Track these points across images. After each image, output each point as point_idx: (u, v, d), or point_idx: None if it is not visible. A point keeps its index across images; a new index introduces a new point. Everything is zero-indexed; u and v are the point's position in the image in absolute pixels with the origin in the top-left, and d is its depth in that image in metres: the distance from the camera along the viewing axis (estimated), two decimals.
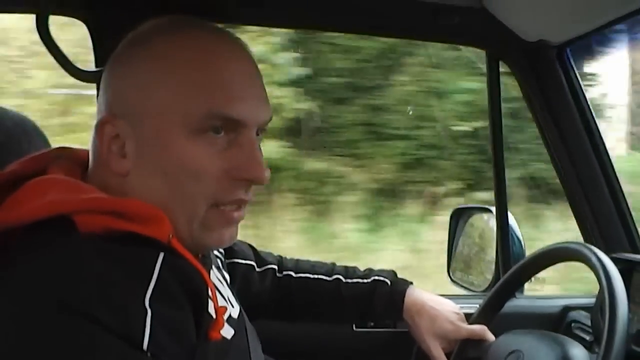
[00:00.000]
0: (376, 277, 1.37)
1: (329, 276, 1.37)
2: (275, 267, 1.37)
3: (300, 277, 1.37)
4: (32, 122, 1.11)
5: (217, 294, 0.90)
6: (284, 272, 1.37)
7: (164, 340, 0.72)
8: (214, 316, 0.82)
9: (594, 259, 1.14)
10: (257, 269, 1.35)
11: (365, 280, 1.37)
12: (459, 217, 1.91)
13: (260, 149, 0.88)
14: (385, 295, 1.36)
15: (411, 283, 1.39)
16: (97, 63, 1.36)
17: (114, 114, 0.85)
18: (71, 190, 0.81)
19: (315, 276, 1.37)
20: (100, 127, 0.85)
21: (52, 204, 0.79)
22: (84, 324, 0.68)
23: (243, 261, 1.32)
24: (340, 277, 1.37)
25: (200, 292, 0.80)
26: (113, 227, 0.78)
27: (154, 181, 0.84)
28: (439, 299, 1.40)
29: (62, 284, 0.71)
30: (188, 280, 0.79)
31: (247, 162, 0.85)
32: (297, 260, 1.42)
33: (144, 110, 0.84)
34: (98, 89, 0.93)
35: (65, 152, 0.93)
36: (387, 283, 1.37)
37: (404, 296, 1.36)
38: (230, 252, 1.30)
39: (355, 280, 1.37)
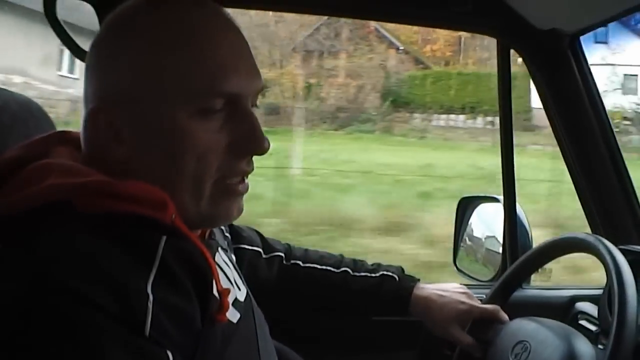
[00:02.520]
0: (384, 272, 1.36)
1: (337, 268, 1.36)
2: (283, 255, 1.37)
3: (308, 267, 1.36)
4: (38, 105, 1.10)
5: (222, 275, 0.90)
6: (292, 261, 1.37)
7: (166, 326, 0.72)
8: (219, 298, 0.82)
9: (603, 250, 1.14)
10: (264, 256, 1.34)
11: (373, 275, 1.36)
12: (465, 207, 1.90)
13: (257, 119, 0.88)
14: (393, 290, 1.35)
15: (418, 280, 1.38)
16: None
17: (106, 102, 0.83)
18: (71, 174, 0.81)
19: (323, 267, 1.36)
20: (92, 117, 0.84)
21: (51, 188, 0.78)
22: (86, 309, 0.68)
23: (250, 247, 1.32)
24: (348, 269, 1.36)
25: (204, 273, 0.80)
26: (115, 210, 0.77)
27: (158, 164, 0.83)
28: (443, 285, 1.39)
29: (63, 269, 0.71)
30: (191, 263, 0.78)
31: (249, 135, 0.85)
32: (306, 250, 1.41)
33: (140, 95, 0.82)
34: None
35: (66, 136, 0.92)
36: (395, 278, 1.36)
37: (411, 292, 1.35)
38: (237, 237, 1.30)
39: (363, 274, 1.36)
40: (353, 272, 1.36)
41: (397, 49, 17.54)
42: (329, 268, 1.36)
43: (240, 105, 0.85)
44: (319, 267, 1.36)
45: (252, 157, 0.88)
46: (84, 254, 0.73)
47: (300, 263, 1.36)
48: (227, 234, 1.19)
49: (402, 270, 1.40)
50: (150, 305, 0.70)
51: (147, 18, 0.85)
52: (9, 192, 0.80)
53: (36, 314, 0.68)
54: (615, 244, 1.17)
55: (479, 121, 15.85)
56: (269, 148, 0.87)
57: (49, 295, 0.69)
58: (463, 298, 1.34)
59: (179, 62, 0.82)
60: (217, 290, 0.81)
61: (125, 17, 0.86)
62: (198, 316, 0.78)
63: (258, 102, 0.91)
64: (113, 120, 0.83)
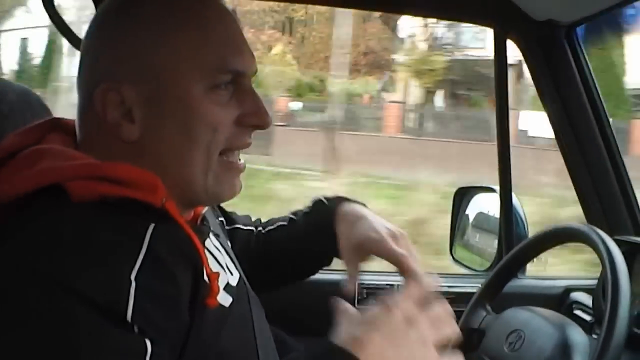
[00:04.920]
0: (320, 199, 1.25)
1: (286, 221, 1.28)
2: (253, 228, 1.31)
3: (267, 231, 1.29)
4: (36, 95, 1.11)
5: (213, 260, 0.91)
6: (256, 231, 1.30)
7: (151, 313, 0.72)
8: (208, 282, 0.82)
9: (597, 240, 1.14)
10: (255, 232, 1.29)
11: (313, 209, 1.25)
12: (462, 196, 1.90)
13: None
14: (323, 211, 1.22)
15: (363, 205, 1.23)
16: None
17: (116, 80, 0.84)
18: (62, 158, 0.81)
19: (275, 225, 1.29)
20: (101, 96, 0.84)
21: (41, 173, 0.79)
22: (66, 297, 0.68)
23: (244, 227, 1.29)
24: (294, 216, 1.27)
25: (193, 259, 0.80)
26: (106, 193, 0.77)
27: (170, 140, 0.85)
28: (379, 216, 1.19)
29: (46, 258, 0.71)
30: (180, 249, 0.79)
31: (254, 109, 0.90)
32: (268, 220, 1.33)
33: (154, 73, 0.84)
34: None
35: (60, 122, 0.93)
36: (324, 201, 1.24)
37: (336, 206, 1.20)
38: (230, 220, 1.28)
39: (306, 212, 1.26)
40: (298, 216, 1.27)
41: None
42: (280, 223, 1.28)
43: (244, 82, 0.90)
44: (272, 226, 1.28)
45: (254, 130, 0.92)
46: (68, 242, 0.73)
47: (262, 229, 1.29)
48: (221, 218, 1.20)
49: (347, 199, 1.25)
50: (132, 293, 0.71)
51: (153, 1, 0.87)
52: (3, 179, 0.81)
53: (16, 302, 0.69)
54: (611, 235, 1.18)
55: None
56: (271, 123, 0.92)
57: (33, 284, 0.69)
58: (381, 230, 1.11)
59: (192, 41, 0.85)
60: (207, 275, 0.82)
61: (130, 2, 0.88)
62: (187, 302, 0.78)
63: None
64: (124, 98, 0.84)
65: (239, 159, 0.93)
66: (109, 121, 0.84)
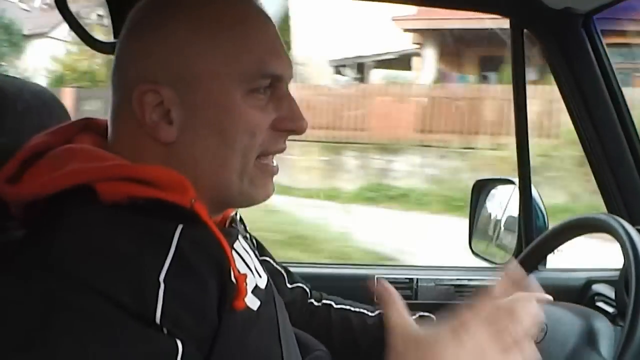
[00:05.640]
0: (422, 313, 1.28)
1: (371, 311, 1.28)
2: (307, 290, 1.30)
3: (342, 309, 1.28)
4: (51, 93, 1.11)
5: (241, 262, 0.90)
6: (323, 302, 1.29)
7: (180, 315, 0.72)
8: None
9: (620, 230, 1.13)
10: (288, 285, 1.27)
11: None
12: (480, 189, 1.89)
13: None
14: None
15: None
16: (116, 34, 1.35)
17: (155, 82, 0.84)
18: (92, 159, 0.81)
19: (357, 309, 1.28)
20: (139, 97, 0.84)
21: (72, 173, 0.79)
22: (96, 299, 0.69)
23: (274, 263, 1.26)
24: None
25: (220, 261, 0.80)
26: (135, 195, 0.78)
27: (207, 143, 0.85)
28: None
29: (76, 261, 0.71)
30: (208, 251, 0.79)
31: (291, 113, 0.90)
32: (322, 294, 1.32)
33: (194, 75, 0.84)
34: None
35: (91, 123, 0.93)
36: (432, 318, 1.26)
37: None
38: (261, 248, 1.24)
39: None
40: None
41: None
42: (363, 310, 1.28)
43: (281, 86, 0.90)
44: (352, 309, 1.28)
45: (289, 135, 0.92)
46: (97, 244, 0.73)
47: (334, 304, 1.29)
48: (253, 239, 1.17)
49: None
50: (161, 294, 0.71)
51: (192, 2, 0.87)
52: (33, 178, 0.81)
53: (48, 305, 0.69)
54: (633, 225, 1.16)
55: None
56: (306, 128, 0.91)
57: (61, 285, 0.69)
58: None
59: (232, 44, 0.85)
60: (234, 277, 0.81)
61: (168, 2, 0.88)
62: (215, 305, 0.78)
63: None
64: (162, 100, 0.84)
65: (273, 162, 0.92)
66: (147, 122, 0.84)
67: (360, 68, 14.80)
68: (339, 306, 1.29)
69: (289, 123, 0.90)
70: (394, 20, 13.51)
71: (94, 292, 0.69)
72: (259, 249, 1.22)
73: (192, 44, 0.84)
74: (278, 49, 0.89)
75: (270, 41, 0.89)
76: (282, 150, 0.92)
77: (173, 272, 0.73)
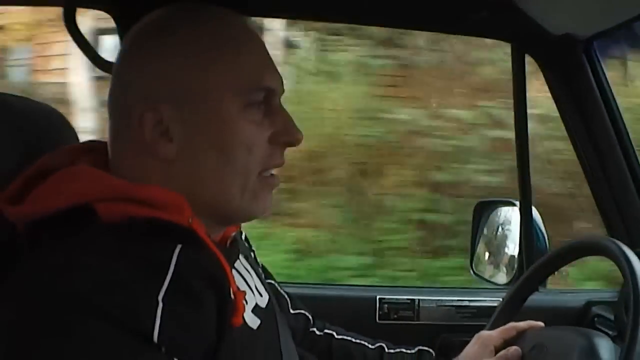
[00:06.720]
0: (421, 348, 1.32)
1: (372, 344, 1.31)
2: (310, 318, 1.31)
3: (342, 340, 1.31)
4: (61, 114, 1.12)
5: (240, 280, 0.92)
6: (325, 331, 1.31)
7: (177, 334, 0.73)
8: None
9: (619, 253, 1.14)
10: (292, 311, 1.29)
11: (409, 351, 1.31)
12: (481, 211, 1.90)
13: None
14: None
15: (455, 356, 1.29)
16: None
17: (154, 100, 0.85)
18: (92, 179, 0.83)
19: (358, 341, 1.31)
20: (139, 116, 0.85)
21: (71, 193, 0.81)
22: (94, 319, 0.69)
23: (278, 287, 1.27)
24: (383, 345, 1.31)
25: (220, 280, 0.81)
26: (134, 215, 0.79)
27: (207, 159, 0.86)
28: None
29: (75, 280, 0.72)
30: (206, 270, 0.79)
31: (286, 127, 0.91)
32: (325, 323, 1.35)
33: (193, 91, 0.85)
34: None
35: (93, 145, 0.94)
36: (431, 353, 1.32)
37: None
38: (264, 270, 1.25)
39: (398, 350, 1.31)
40: (388, 348, 1.31)
41: None
42: (364, 342, 1.31)
43: (275, 100, 0.91)
44: (353, 340, 1.31)
45: (285, 148, 0.93)
46: (96, 263, 0.74)
47: (335, 334, 1.31)
48: (254, 249, 1.19)
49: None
50: (159, 313, 0.71)
51: (188, 22, 0.89)
52: (35, 199, 0.83)
53: (46, 322, 0.70)
54: (632, 248, 1.17)
55: None
56: (302, 139, 0.93)
57: (60, 304, 0.70)
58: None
59: (227, 60, 0.87)
60: (232, 293, 0.82)
61: (165, 23, 0.90)
62: (213, 323, 0.78)
63: None
64: (162, 118, 0.85)
65: (273, 175, 0.94)
66: (147, 140, 0.85)
67: None
68: (340, 337, 1.31)
69: (285, 136, 0.91)
70: None
71: (92, 310, 0.70)
72: (264, 271, 1.24)
73: (190, 62, 0.86)
74: (270, 63, 0.92)
75: (262, 56, 0.91)
76: (281, 164, 0.93)
77: (171, 292, 0.73)
